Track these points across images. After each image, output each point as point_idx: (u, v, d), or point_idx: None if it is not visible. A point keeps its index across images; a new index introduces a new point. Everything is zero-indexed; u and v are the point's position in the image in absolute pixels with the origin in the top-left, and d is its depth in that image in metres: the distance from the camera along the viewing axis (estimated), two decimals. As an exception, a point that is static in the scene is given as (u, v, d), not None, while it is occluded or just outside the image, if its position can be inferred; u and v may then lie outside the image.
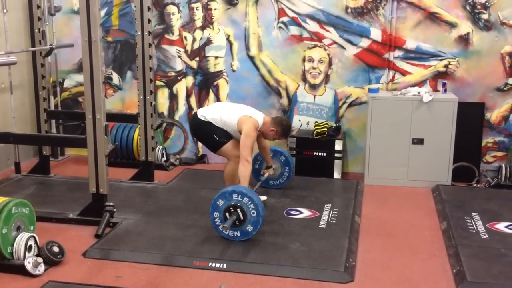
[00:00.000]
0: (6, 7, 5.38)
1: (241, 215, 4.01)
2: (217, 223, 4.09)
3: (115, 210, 4.38)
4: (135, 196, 5.19)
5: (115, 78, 6.45)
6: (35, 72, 5.77)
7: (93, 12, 4.10)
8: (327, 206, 4.87)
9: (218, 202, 4.05)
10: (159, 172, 5.81)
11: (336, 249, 4.00)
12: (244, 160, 4.39)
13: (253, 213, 4.00)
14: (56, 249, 3.76)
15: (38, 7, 5.62)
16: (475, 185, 5.66)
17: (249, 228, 4.04)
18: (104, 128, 4.26)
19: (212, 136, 4.69)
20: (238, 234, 4.07)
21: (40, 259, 3.62)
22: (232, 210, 4.02)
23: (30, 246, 3.64)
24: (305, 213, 4.72)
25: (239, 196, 4.01)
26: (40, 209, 4.39)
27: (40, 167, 5.77)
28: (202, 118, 4.72)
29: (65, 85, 6.56)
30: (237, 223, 4.03)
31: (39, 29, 5.65)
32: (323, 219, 4.56)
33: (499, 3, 5.51)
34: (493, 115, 5.73)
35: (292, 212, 4.72)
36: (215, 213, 4.08)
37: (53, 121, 6.26)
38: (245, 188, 4.15)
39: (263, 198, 4.85)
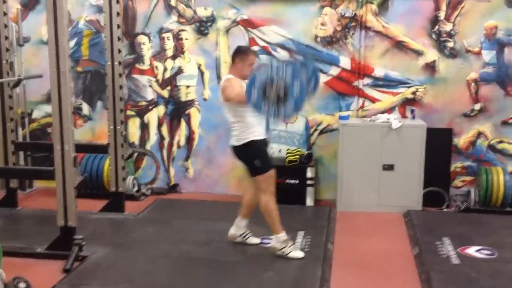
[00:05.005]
0: (-27, 38, 5.32)
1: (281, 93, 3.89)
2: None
3: (84, 243, 4.28)
4: (105, 228, 5.10)
5: (85, 108, 6.40)
6: (3, 103, 5.65)
7: (61, 43, 4.09)
8: (300, 233, 4.86)
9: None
10: (130, 202, 5.72)
11: (309, 277, 3.97)
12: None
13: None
14: (22, 285, 3.64)
15: (6, 38, 5.54)
16: (445, 209, 5.73)
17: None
18: (73, 160, 4.21)
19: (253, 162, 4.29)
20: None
21: (5, 296, 3.52)
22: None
23: (-5, 282, 3.54)
24: (278, 241, 4.68)
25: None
26: (7, 243, 4.24)
27: (7, 200, 5.64)
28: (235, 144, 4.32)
29: (33, 116, 6.48)
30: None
31: (7, 60, 5.56)
32: (296, 247, 4.54)
33: (464, 31, 5.67)
34: (461, 141, 5.83)
35: (265, 241, 4.68)
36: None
37: (21, 153, 6.14)
38: None
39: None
